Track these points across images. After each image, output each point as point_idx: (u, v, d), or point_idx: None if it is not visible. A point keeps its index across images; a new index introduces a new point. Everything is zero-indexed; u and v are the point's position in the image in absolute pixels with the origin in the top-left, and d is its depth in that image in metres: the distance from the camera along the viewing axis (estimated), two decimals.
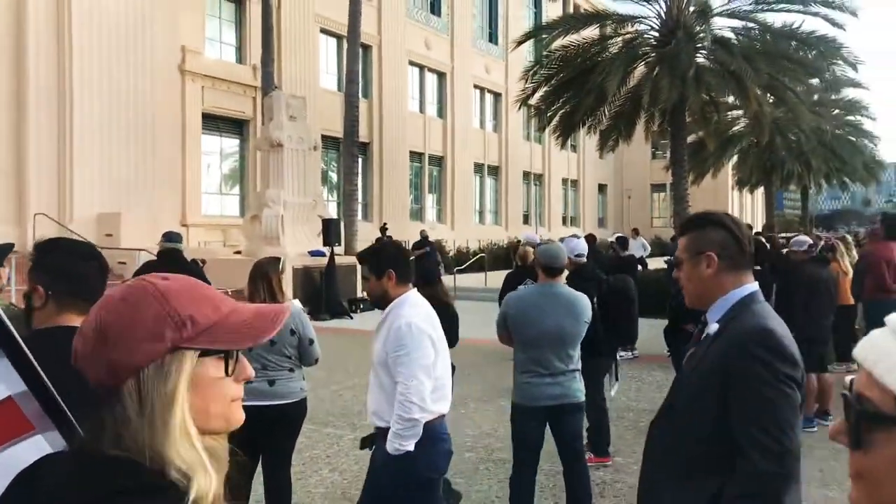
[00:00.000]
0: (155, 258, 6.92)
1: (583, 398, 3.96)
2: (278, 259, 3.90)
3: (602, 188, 45.30)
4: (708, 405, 1.77)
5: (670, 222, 26.86)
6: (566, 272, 4.15)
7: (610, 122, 19.25)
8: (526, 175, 36.92)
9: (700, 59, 16.79)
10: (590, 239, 10.52)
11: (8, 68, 15.22)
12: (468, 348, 7.41)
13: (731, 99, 20.19)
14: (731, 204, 41.92)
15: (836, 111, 30.81)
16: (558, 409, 3.87)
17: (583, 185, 42.37)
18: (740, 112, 24.09)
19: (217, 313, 0.95)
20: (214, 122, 21.05)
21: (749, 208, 46.71)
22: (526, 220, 36.16)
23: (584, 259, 5.48)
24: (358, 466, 5.27)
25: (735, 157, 30.39)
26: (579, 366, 3.95)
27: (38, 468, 0.93)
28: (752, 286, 1.87)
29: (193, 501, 0.86)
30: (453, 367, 3.31)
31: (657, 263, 16.29)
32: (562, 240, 5.35)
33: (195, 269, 6.96)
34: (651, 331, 11.18)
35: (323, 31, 24.60)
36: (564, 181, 40.68)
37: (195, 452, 0.89)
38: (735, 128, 26.56)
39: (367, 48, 25.76)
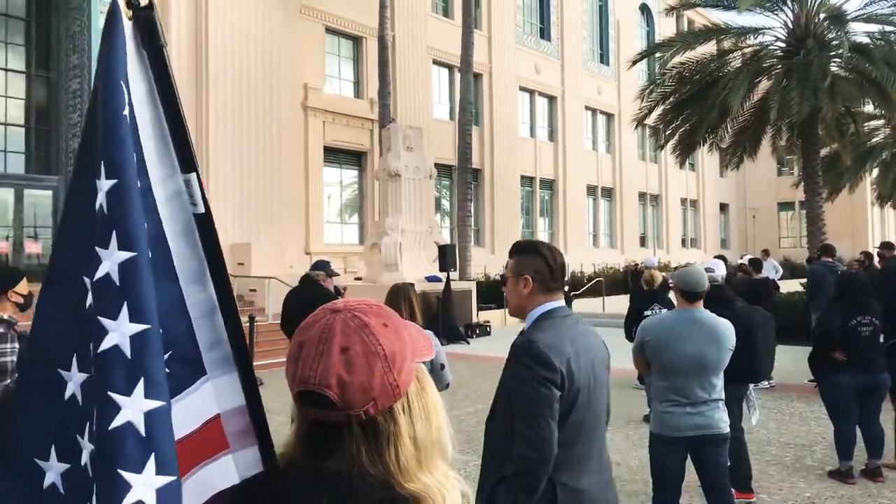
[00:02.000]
0: (297, 285, 7.37)
1: (727, 429, 3.73)
2: (412, 284, 3.98)
3: (724, 208, 43.23)
4: (507, 402, 2.17)
5: (801, 242, 25.15)
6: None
7: (733, 139, 18.42)
8: (642, 196, 35.90)
9: (834, 68, 15.77)
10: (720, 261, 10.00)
11: None
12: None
13: (868, 108, 18.79)
14: (870, 220, 38.74)
15: None
16: (700, 440, 3.67)
17: (703, 205, 40.63)
18: (880, 122, 22.33)
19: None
20: (335, 155, 22.04)
21: (893, 225, 42.90)
22: (643, 242, 35.08)
23: (719, 282, 5.21)
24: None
25: (875, 171, 28.09)
26: (722, 395, 3.73)
27: (272, 480, 1.02)
28: (554, 304, 2.26)
29: None
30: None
31: (790, 286, 15.25)
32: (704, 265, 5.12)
33: (331, 295, 7.27)
34: (787, 357, 10.48)
35: (435, 62, 25.26)
36: (683, 201, 39.19)
37: (446, 469, 1.00)
38: (875, 139, 24.61)
39: (477, 76, 26.17)
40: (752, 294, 8.83)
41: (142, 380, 0.89)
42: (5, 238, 15.63)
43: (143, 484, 0.85)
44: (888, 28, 16.30)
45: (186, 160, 1.07)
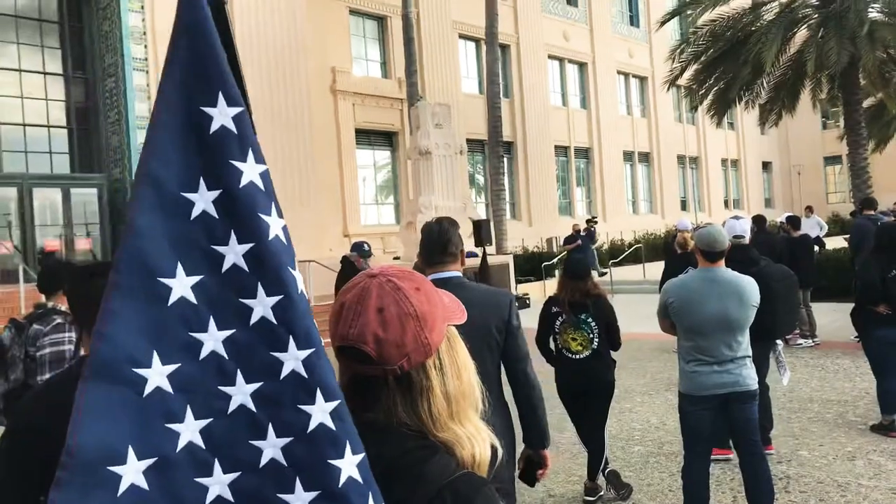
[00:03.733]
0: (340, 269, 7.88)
1: (755, 386, 3.73)
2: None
3: (766, 166, 42.08)
4: None
5: (849, 197, 24.31)
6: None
7: (770, 95, 17.92)
8: (680, 159, 35.18)
9: (872, 14, 15.15)
10: (758, 220, 9.83)
11: None
12: (629, 342, 7.18)
13: None
14: None
15: None
16: (728, 397, 3.69)
17: (744, 165, 39.62)
18: None
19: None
20: (367, 136, 22.16)
21: None
22: (684, 206, 34.45)
23: (745, 241, 5.16)
24: None
25: None
26: (749, 352, 3.74)
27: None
28: (436, 275, 2.65)
29: (475, 464, 1.04)
30: None
31: (837, 243, 14.87)
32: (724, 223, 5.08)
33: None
34: (833, 314, 10.29)
35: (461, 36, 25.06)
36: (723, 162, 38.27)
37: (477, 422, 1.09)
38: None
39: (504, 47, 25.89)
40: (792, 252, 8.68)
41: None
42: (58, 237, 16.25)
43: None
44: None
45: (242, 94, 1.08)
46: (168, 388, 0.90)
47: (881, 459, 4.88)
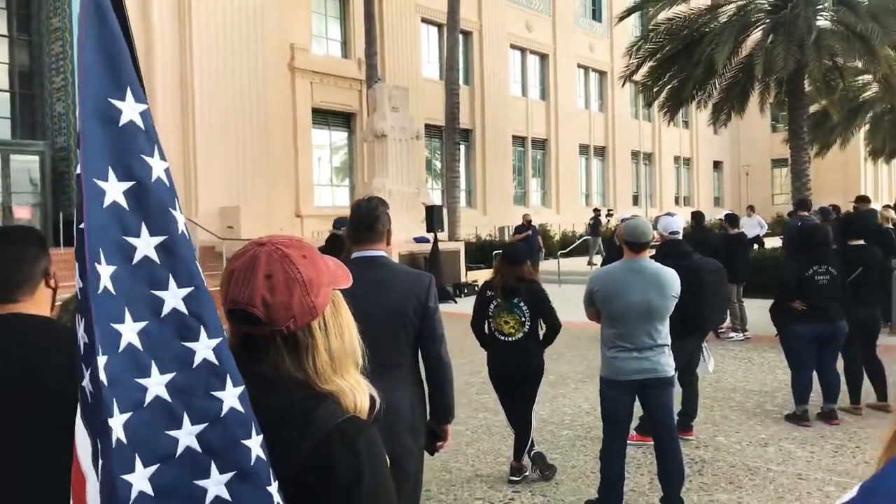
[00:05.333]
0: (324, 244, 7.92)
1: (671, 373, 3.91)
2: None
3: (717, 165, 43.19)
4: None
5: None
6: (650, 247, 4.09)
7: (721, 95, 18.39)
8: (635, 155, 35.84)
9: (821, 22, 15.66)
10: (696, 217, 10.15)
11: None
12: (570, 330, 7.37)
13: (860, 63, 18.71)
14: (863, 176, 38.74)
15: None
16: (646, 383, 3.85)
17: (696, 163, 40.58)
18: (871, 76, 22.24)
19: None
20: (323, 117, 21.95)
21: (886, 180, 42.92)
22: (636, 200, 35.14)
23: (679, 236, 5.36)
24: (456, 441, 5.45)
25: (867, 126, 28.02)
26: (668, 341, 3.90)
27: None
28: (358, 253, 2.75)
29: (356, 411, 1.14)
30: None
31: (776, 242, 15.42)
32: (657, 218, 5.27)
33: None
34: (764, 311, 10.69)
35: (424, 20, 24.96)
36: (676, 159, 39.13)
37: (361, 377, 1.19)
38: (866, 94, 24.51)
39: (467, 34, 25.90)
40: (727, 248, 9.00)
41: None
42: None
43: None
44: None
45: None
46: (104, 380, 0.92)
47: (791, 447, 5.15)
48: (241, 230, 16.04)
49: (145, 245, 0.96)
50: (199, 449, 0.96)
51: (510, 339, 4.51)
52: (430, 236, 14.95)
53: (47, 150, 16.28)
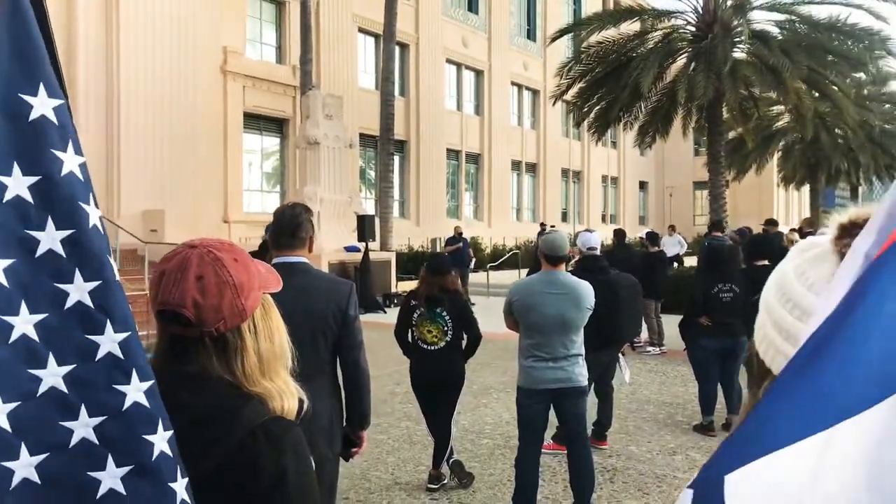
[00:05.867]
0: (256, 249, 7.69)
1: (584, 383, 4.07)
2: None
3: (643, 185, 44.76)
4: None
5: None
6: (567, 261, 4.26)
7: (647, 118, 19.11)
8: (565, 172, 36.74)
9: (738, 54, 16.56)
10: (618, 234, 10.53)
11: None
12: (494, 341, 7.53)
13: (774, 94, 19.85)
14: (776, 201, 40.95)
15: (887, 105, 29.81)
16: (560, 392, 3.99)
17: (623, 183, 41.94)
18: (784, 107, 23.63)
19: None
20: (256, 122, 21.59)
21: (796, 205, 45.53)
22: (564, 217, 35.98)
23: (597, 252, 5.58)
24: (378, 450, 5.48)
25: (779, 154, 29.71)
26: (582, 351, 4.06)
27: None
28: (280, 259, 2.77)
29: (283, 413, 1.17)
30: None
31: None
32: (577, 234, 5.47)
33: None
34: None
35: (361, 30, 24.96)
36: (604, 178, 40.34)
37: (287, 378, 1.22)
38: (778, 123, 26.00)
39: (404, 46, 26.05)
40: (647, 265, 9.38)
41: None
42: None
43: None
44: (792, 17, 17.22)
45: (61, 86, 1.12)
46: None
47: (697, 455, 5.42)
48: (164, 234, 15.56)
49: (50, 239, 0.95)
50: (95, 441, 0.96)
51: (433, 347, 4.59)
52: (362, 246, 14.92)
53: None
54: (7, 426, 0.91)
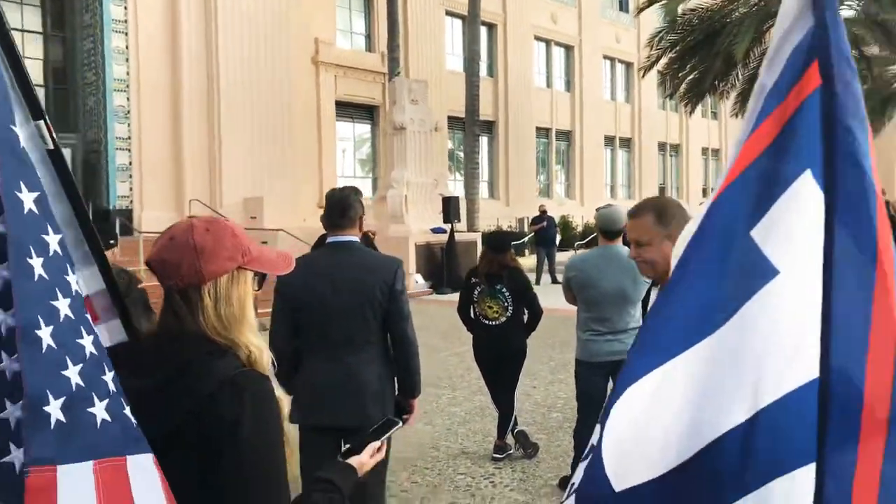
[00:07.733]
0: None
1: None
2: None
3: None
4: None
5: None
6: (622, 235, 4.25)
7: (745, 86, 18.18)
8: (661, 146, 35.50)
9: (845, 12, 15.43)
10: None
11: (164, 69, 17.11)
12: (573, 319, 7.51)
13: (888, 52, 18.35)
14: None
15: None
16: (618, 364, 4.02)
17: (725, 155, 40.00)
18: None
19: (256, 249, 1.39)
20: (347, 110, 22.26)
21: None
22: (662, 192, 34.82)
23: None
24: (450, 421, 5.70)
25: None
26: (640, 324, 4.06)
27: (133, 344, 1.39)
28: (330, 238, 3.00)
29: (253, 364, 1.30)
30: None
31: None
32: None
33: (367, 239, 7.85)
34: None
35: (448, 13, 25.08)
36: (704, 151, 38.65)
37: (259, 338, 1.35)
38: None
39: (491, 26, 25.96)
40: None
41: None
42: None
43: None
44: None
45: (34, 108, 1.38)
46: None
47: None
48: (263, 220, 16.44)
49: None
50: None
51: (493, 323, 4.72)
52: (447, 227, 15.16)
53: (80, 143, 16.86)
54: None
